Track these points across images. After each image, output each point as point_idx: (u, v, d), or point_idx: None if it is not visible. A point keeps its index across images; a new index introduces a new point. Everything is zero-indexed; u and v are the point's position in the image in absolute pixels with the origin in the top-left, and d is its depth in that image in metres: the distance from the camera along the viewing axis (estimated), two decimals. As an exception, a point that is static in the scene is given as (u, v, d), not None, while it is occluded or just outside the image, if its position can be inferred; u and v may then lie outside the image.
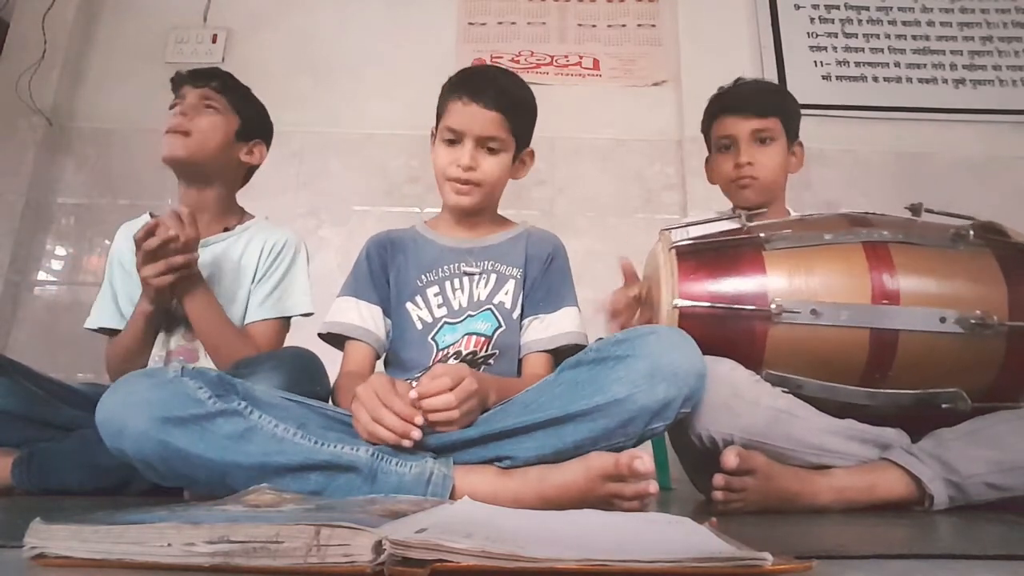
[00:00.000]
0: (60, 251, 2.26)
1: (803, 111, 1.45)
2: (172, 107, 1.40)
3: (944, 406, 1.01)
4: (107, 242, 1.46)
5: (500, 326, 1.18)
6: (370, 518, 0.55)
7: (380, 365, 1.25)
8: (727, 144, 1.39)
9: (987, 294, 1.01)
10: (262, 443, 0.84)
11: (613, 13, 2.50)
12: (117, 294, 1.39)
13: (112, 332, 1.37)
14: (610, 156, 2.32)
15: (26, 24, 2.34)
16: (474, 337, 1.17)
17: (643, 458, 0.83)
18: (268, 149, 1.51)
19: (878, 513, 0.96)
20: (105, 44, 2.44)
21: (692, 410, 0.93)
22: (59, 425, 1.18)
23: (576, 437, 0.88)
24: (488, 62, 2.35)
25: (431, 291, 1.21)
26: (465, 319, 1.18)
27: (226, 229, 1.43)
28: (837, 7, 2.45)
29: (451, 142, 1.19)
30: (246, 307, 1.38)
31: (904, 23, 2.43)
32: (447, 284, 1.21)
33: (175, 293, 1.27)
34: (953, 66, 2.37)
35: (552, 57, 2.44)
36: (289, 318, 1.41)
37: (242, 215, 1.48)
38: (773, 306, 1.00)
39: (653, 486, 0.84)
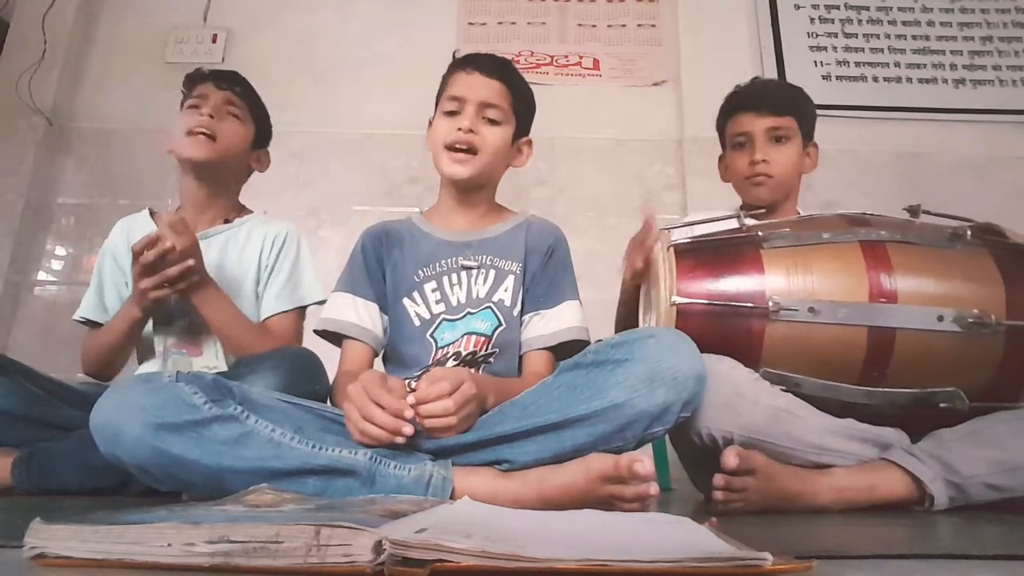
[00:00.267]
0: (60, 251, 2.26)
1: (803, 111, 1.45)
2: (190, 105, 1.39)
3: (942, 405, 1.01)
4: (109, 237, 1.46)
5: (500, 324, 1.17)
6: (370, 518, 0.55)
7: (379, 362, 1.25)
8: (742, 141, 1.39)
9: (985, 294, 1.01)
10: (258, 448, 0.84)
11: (613, 13, 2.50)
12: (104, 286, 1.39)
13: (94, 324, 1.37)
14: (610, 156, 2.32)
15: (26, 24, 2.34)
16: (474, 337, 1.16)
17: (643, 461, 0.83)
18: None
19: (878, 513, 0.96)
20: (105, 44, 2.44)
21: (692, 413, 0.93)
22: (59, 425, 1.18)
23: (575, 441, 0.88)
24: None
25: (428, 286, 1.20)
26: (465, 316, 1.17)
27: (226, 221, 1.43)
28: (837, 7, 2.44)
29: (451, 113, 1.20)
30: (254, 299, 1.38)
31: (904, 23, 2.43)
32: (445, 279, 1.20)
33: (185, 300, 1.26)
34: (953, 66, 2.37)
35: (552, 57, 2.44)
36: (305, 308, 1.41)
37: (241, 208, 1.49)
38: (771, 304, 1.00)
39: (654, 488, 0.83)
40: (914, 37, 2.42)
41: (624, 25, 2.48)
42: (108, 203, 2.26)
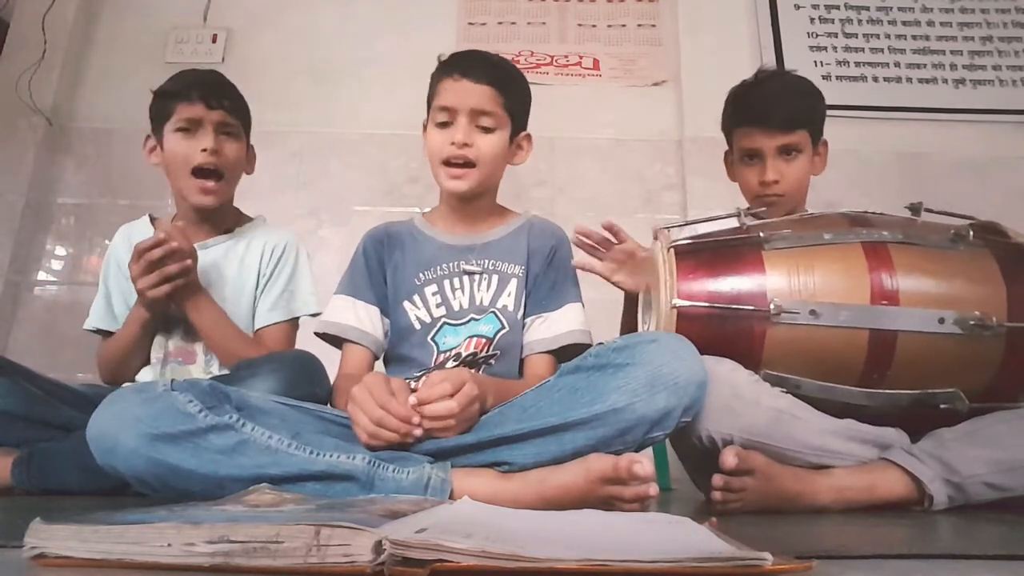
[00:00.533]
0: (60, 251, 2.26)
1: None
2: (180, 128, 1.32)
3: (942, 406, 1.01)
4: (107, 242, 1.46)
5: (503, 328, 1.17)
6: (370, 518, 0.55)
7: (379, 364, 1.25)
8: (751, 156, 1.36)
9: (986, 295, 1.01)
10: (255, 456, 0.84)
11: (613, 13, 2.50)
12: (111, 295, 1.39)
13: (105, 334, 1.37)
14: (610, 156, 2.32)
15: (26, 24, 2.33)
16: (475, 339, 1.16)
17: (642, 462, 0.83)
18: None
19: (878, 513, 0.96)
20: (105, 44, 2.44)
21: (693, 418, 0.93)
22: (59, 425, 1.18)
23: (575, 444, 0.88)
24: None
25: (429, 290, 1.19)
26: (468, 322, 1.17)
27: (226, 231, 1.42)
28: (837, 7, 2.44)
29: (444, 124, 1.17)
30: (253, 308, 1.38)
31: (904, 23, 2.43)
32: (446, 283, 1.19)
33: (177, 304, 1.26)
34: (953, 66, 2.37)
35: (552, 57, 2.44)
36: (298, 319, 1.41)
37: (239, 216, 1.48)
38: (772, 306, 0.99)
39: (653, 488, 0.83)
40: (914, 37, 2.41)
41: (624, 25, 2.48)
42: (108, 203, 2.26)
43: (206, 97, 1.32)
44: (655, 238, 1.12)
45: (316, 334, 1.21)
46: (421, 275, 1.20)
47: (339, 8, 2.46)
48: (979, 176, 2.25)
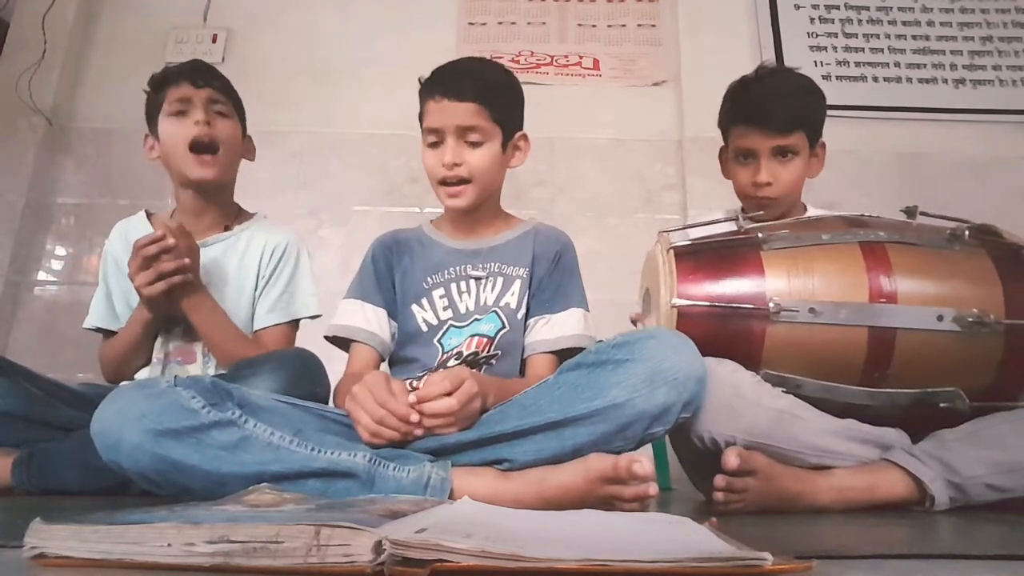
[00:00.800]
0: (60, 251, 2.26)
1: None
2: (174, 112, 1.33)
3: (943, 405, 1.01)
4: (107, 241, 1.45)
5: (504, 327, 1.17)
6: (370, 518, 0.55)
7: (384, 367, 1.25)
8: (745, 155, 1.33)
9: (983, 293, 1.01)
10: (257, 452, 0.84)
11: (613, 13, 2.50)
12: (112, 293, 1.39)
13: (107, 332, 1.37)
14: (610, 156, 2.32)
15: (26, 24, 2.33)
16: (476, 338, 1.16)
17: (642, 462, 0.83)
18: None
19: (878, 513, 0.97)
20: (105, 44, 2.44)
21: (692, 414, 0.93)
22: (58, 426, 1.18)
23: (575, 441, 0.88)
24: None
25: (436, 293, 1.20)
26: (472, 322, 1.18)
27: (226, 228, 1.42)
28: (837, 7, 2.45)
29: (434, 144, 1.18)
30: (252, 308, 1.38)
31: (904, 23, 2.43)
32: (453, 287, 1.20)
33: (175, 302, 1.26)
34: (953, 66, 2.37)
35: (552, 57, 2.44)
36: (298, 321, 1.41)
37: (239, 212, 1.48)
38: (771, 305, 1.00)
39: (653, 488, 0.84)
40: (914, 37, 2.41)
41: (624, 25, 2.48)
42: (108, 203, 2.26)
43: (192, 77, 1.34)
44: (657, 242, 1.13)
45: (326, 338, 1.22)
46: (429, 279, 1.22)
47: (339, 8, 2.46)
48: (979, 176, 2.25)
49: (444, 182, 1.17)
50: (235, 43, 2.43)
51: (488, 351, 1.16)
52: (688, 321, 1.01)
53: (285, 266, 1.41)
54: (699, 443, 0.98)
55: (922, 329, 0.99)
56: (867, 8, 2.44)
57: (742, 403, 0.97)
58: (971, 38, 2.41)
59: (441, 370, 1.08)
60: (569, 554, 0.47)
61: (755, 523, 0.84)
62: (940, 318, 0.98)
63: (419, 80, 1.22)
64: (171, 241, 1.20)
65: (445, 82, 1.16)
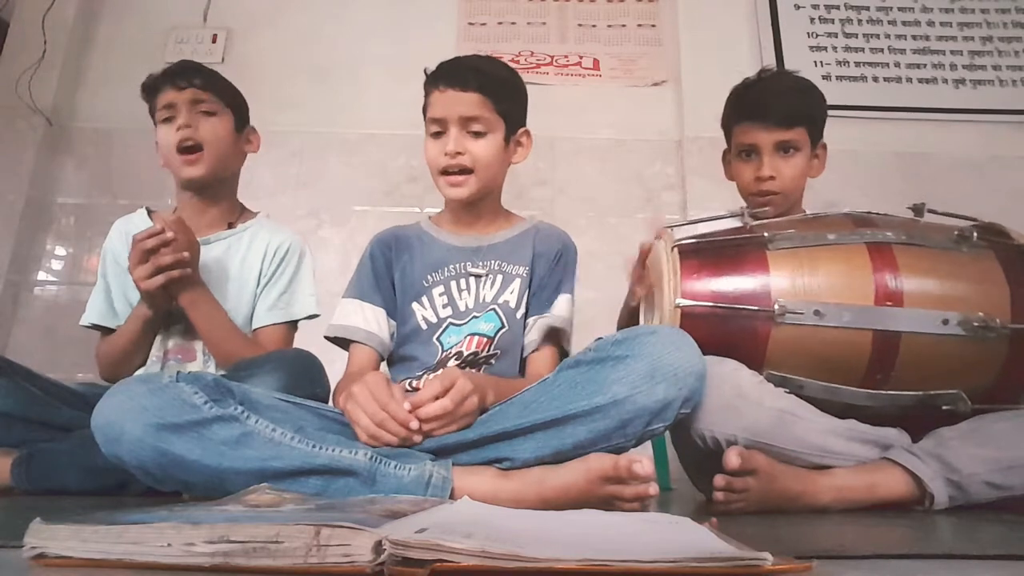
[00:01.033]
0: (60, 251, 2.26)
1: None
2: (163, 119, 1.36)
3: (944, 408, 1.01)
4: (106, 239, 1.45)
5: (503, 326, 1.17)
6: (370, 518, 0.55)
7: (383, 365, 1.25)
8: (748, 151, 1.34)
9: (990, 296, 1.01)
10: (259, 448, 0.84)
11: (613, 13, 2.50)
12: (111, 290, 1.38)
13: (104, 330, 1.36)
14: (610, 156, 2.32)
15: (26, 24, 2.33)
16: (476, 337, 1.16)
17: (642, 461, 0.83)
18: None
19: (878, 513, 0.96)
20: (105, 44, 2.44)
21: (692, 411, 0.93)
22: (58, 426, 1.18)
23: (576, 438, 0.88)
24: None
25: (436, 291, 1.20)
26: (471, 320, 1.18)
27: (229, 225, 1.42)
28: (837, 7, 2.44)
29: (437, 134, 1.18)
30: (252, 308, 1.38)
31: (904, 23, 2.43)
32: (452, 284, 1.20)
33: (174, 297, 1.26)
34: (953, 66, 2.37)
35: (552, 57, 2.44)
36: (297, 321, 1.41)
37: (243, 211, 1.48)
38: (776, 306, 0.99)
39: (653, 488, 0.84)
40: (914, 37, 2.41)
41: (624, 25, 2.48)
42: (108, 203, 2.26)
43: (174, 80, 1.36)
44: (657, 237, 1.12)
45: (326, 338, 1.22)
46: (429, 277, 1.21)
47: (339, 8, 2.46)
48: (979, 176, 2.25)
49: (445, 171, 1.17)
50: (235, 43, 2.43)
51: (488, 351, 1.16)
52: (691, 321, 1.01)
53: (287, 266, 1.41)
54: (700, 442, 0.98)
55: (927, 333, 0.99)
56: (867, 8, 2.44)
57: (744, 402, 0.97)
58: (971, 38, 2.41)
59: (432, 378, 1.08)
60: (569, 554, 0.47)
61: (755, 523, 0.84)
62: (945, 322, 0.98)
63: (424, 72, 1.22)
64: (169, 235, 1.20)
65: (450, 73, 1.17)
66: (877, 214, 1.11)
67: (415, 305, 1.20)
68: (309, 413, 0.97)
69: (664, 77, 2.40)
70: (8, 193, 2.20)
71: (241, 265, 1.39)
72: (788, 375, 1.02)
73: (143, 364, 1.33)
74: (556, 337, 1.19)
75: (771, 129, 1.31)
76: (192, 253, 1.25)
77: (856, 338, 1.00)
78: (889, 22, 2.43)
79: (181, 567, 0.49)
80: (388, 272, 1.24)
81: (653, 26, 2.48)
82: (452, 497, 0.84)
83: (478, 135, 1.17)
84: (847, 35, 2.41)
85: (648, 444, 1.12)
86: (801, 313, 0.99)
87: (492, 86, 1.17)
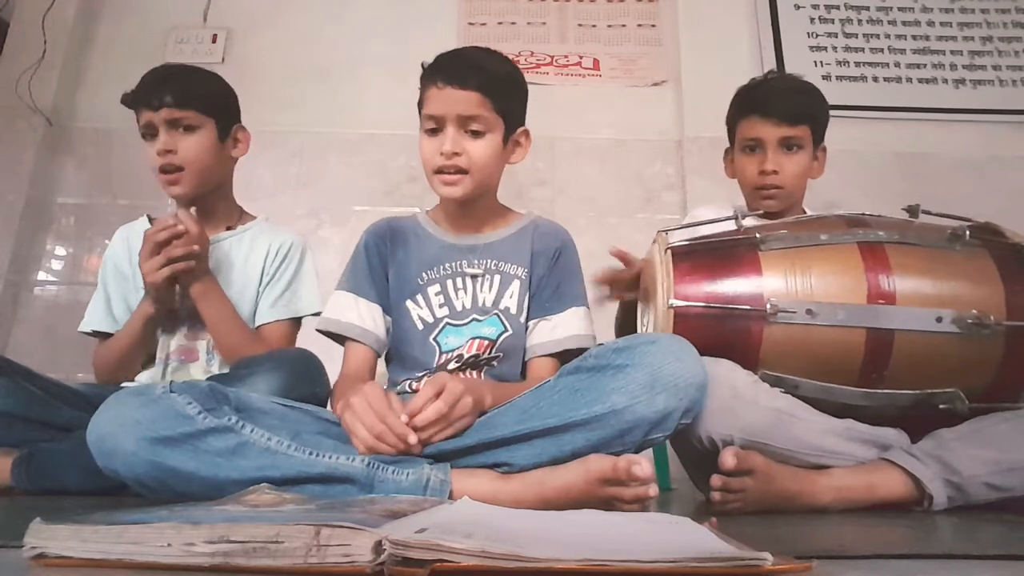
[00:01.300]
0: (60, 251, 2.26)
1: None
2: (144, 135, 1.35)
3: (942, 406, 1.01)
4: (107, 242, 1.45)
5: (506, 330, 1.16)
6: (370, 518, 0.55)
7: (381, 363, 1.25)
8: (752, 146, 1.37)
9: (984, 294, 1.01)
10: (255, 458, 0.84)
11: (613, 13, 2.50)
12: (111, 297, 1.38)
13: (103, 336, 1.37)
14: (610, 156, 2.32)
15: (26, 24, 2.33)
16: (477, 340, 1.15)
17: (642, 463, 0.83)
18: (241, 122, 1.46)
19: (878, 513, 0.96)
20: (105, 44, 2.44)
21: (692, 420, 0.93)
22: (58, 426, 1.18)
23: (574, 446, 0.88)
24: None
25: (432, 289, 1.18)
26: (470, 322, 1.16)
27: (228, 228, 1.42)
28: (837, 7, 2.44)
29: (433, 131, 1.14)
30: (254, 308, 1.38)
31: (904, 23, 2.43)
32: (448, 283, 1.18)
33: (184, 290, 1.26)
34: (953, 66, 2.37)
35: (552, 57, 2.44)
36: (300, 318, 1.41)
37: (242, 214, 1.48)
38: (769, 306, 0.99)
39: (652, 489, 0.83)
40: (914, 37, 2.41)
41: (624, 25, 2.48)
42: (108, 203, 2.26)
43: (147, 99, 1.33)
44: (654, 241, 1.13)
45: (318, 330, 1.21)
46: (424, 274, 1.19)
47: (339, 8, 2.46)
48: (979, 176, 2.25)
49: (440, 171, 1.13)
50: (235, 43, 2.43)
51: (489, 353, 1.15)
52: (685, 321, 1.01)
53: (289, 264, 1.42)
54: (698, 443, 0.98)
55: (921, 331, 0.99)
56: (867, 8, 2.44)
57: (740, 403, 0.97)
58: (971, 38, 2.41)
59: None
60: (569, 554, 0.47)
61: (755, 523, 0.84)
62: (939, 319, 0.98)
63: (422, 65, 1.18)
64: (181, 227, 1.21)
65: (449, 69, 1.13)
66: (870, 215, 1.11)
67: (410, 303, 1.18)
68: (307, 416, 0.96)
69: (664, 77, 2.40)
70: (8, 193, 2.20)
71: (244, 265, 1.39)
72: (783, 375, 1.02)
73: (142, 367, 1.33)
74: (570, 355, 1.14)
75: (777, 124, 1.33)
76: (203, 246, 1.26)
77: (849, 337, 1.00)
78: (889, 22, 2.43)
79: (181, 567, 0.49)
80: (383, 266, 1.21)
81: (653, 26, 2.48)
82: (451, 499, 0.84)
83: (476, 135, 1.13)
84: (847, 35, 2.41)
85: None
86: (793, 312, 0.99)
87: (492, 84, 1.13)
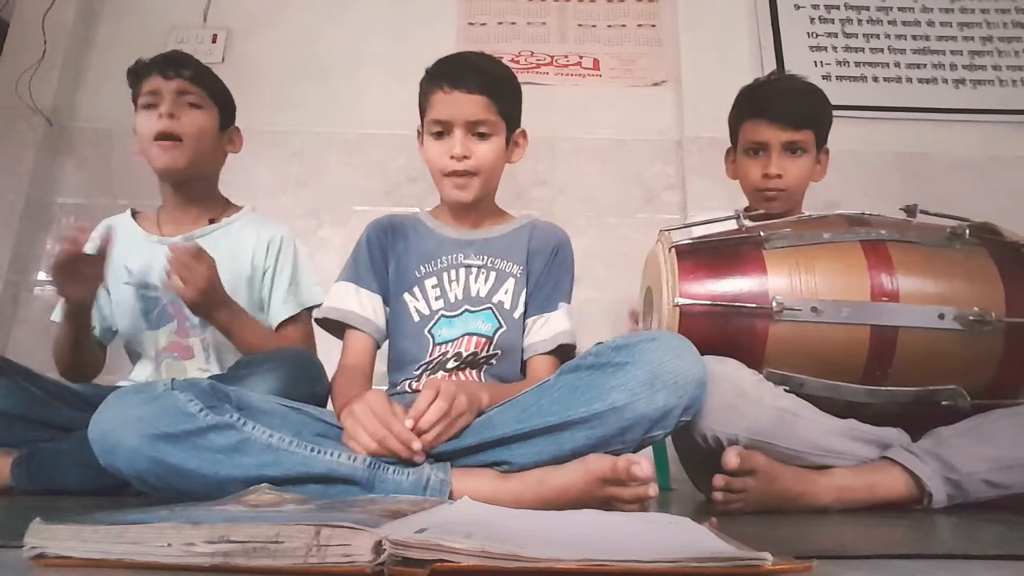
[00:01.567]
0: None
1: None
2: (145, 104, 1.33)
3: (944, 403, 1.01)
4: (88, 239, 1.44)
5: (501, 326, 1.17)
6: (370, 518, 0.55)
7: (380, 365, 1.25)
8: (756, 149, 1.37)
9: (985, 292, 1.01)
10: (256, 455, 0.84)
11: (613, 13, 2.50)
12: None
13: None
14: (610, 156, 2.32)
15: (26, 24, 2.33)
16: (474, 338, 1.16)
17: (641, 463, 0.83)
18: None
19: (878, 513, 0.96)
20: (105, 44, 2.44)
21: (693, 417, 0.93)
22: (58, 426, 1.18)
23: (574, 444, 0.88)
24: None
25: (429, 282, 1.20)
26: (463, 313, 1.17)
27: (211, 221, 1.40)
28: (837, 7, 2.44)
29: (440, 135, 1.17)
30: (248, 301, 1.36)
31: (904, 23, 2.43)
32: (445, 276, 1.20)
33: (208, 320, 1.25)
34: (953, 66, 2.37)
35: (552, 57, 2.44)
36: (311, 309, 1.40)
37: (227, 206, 1.46)
38: (774, 304, 1.00)
39: (652, 489, 0.84)
40: (914, 37, 2.41)
41: (624, 25, 2.48)
42: (108, 203, 2.25)
43: (162, 68, 1.33)
44: (657, 240, 1.13)
45: (316, 320, 1.21)
46: (422, 267, 1.21)
47: (339, 8, 2.46)
48: (979, 176, 2.25)
49: (451, 174, 1.17)
50: (235, 43, 2.43)
51: (487, 351, 1.16)
52: (690, 320, 1.01)
53: (285, 259, 1.41)
54: (702, 442, 0.98)
55: (924, 327, 0.99)
56: (867, 8, 2.44)
57: (744, 402, 0.97)
58: (971, 38, 2.40)
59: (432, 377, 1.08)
60: (569, 554, 0.47)
61: (755, 523, 0.84)
62: (942, 316, 0.99)
63: (425, 70, 1.21)
64: (78, 249, 1.18)
65: (454, 74, 1.16)
66: (871, 215, 1.11)
67: (407, 296, 1.20)
68: (307, 417, 0.96)
69: (664, 77, 2.40)
70: (8, 193, 2.20)
71: (230, 259, 1.35)
72: (788, 373, 1.02)
73: (93, 362, 1.33)
74: (562, 351, 1.18)
75: (782, 128, 1.34)
76: (211, 276, 1.21)
77: (854, 334, 1.00)
78: (889, 22, 2.43)
79: (181, 567, 0.49)
80: (384, 258, 1.23)
81: (653, 26, 2.47)
82: (451, 499, 0.84)
83: (483, 137, 1.17)
84: (847, 35, 2.41)
85: (648, 444, 1.12)
86: (799, 310, 1.00)
87: (496, 88, 1.17)
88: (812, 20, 2.42)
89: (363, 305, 1.19)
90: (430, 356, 1.16)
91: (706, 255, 1.09)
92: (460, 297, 1.18)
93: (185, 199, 1.38)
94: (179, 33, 2.42)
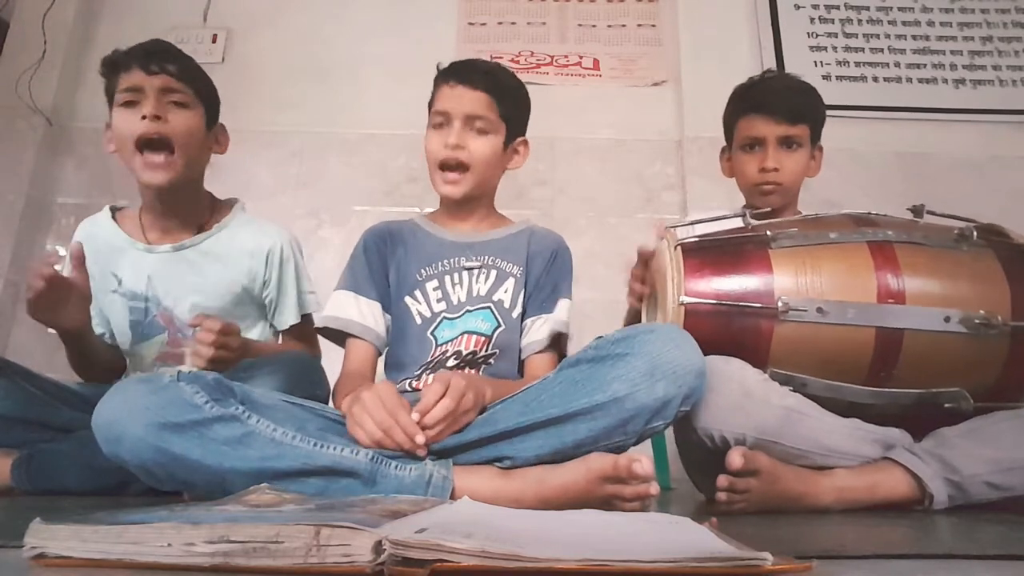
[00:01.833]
0: (60, 251, 2.26)
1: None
2: (125, 101, 1.21)
3: (947, 405, 1.01)
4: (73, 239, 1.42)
5: (499, 325, 1.17)
6: (370, 518, 0.55)
7: (380, 365, 1.25)
8: (752, 144, 1.38)
9: (991, 294, 1.01)
10: (260, 448, 0.84)
11: (613, 13, 2.50)
12: None
13: None
14: (610, 156, 2.32)
15: (26, 24, 2.33)
16: (473, 336, 1.16)
17: (642, 461, 0.83)
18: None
19: (878, 513, 0.96)
20: (105, 44, 2.41)
21: (699, 409, 0.93)
22: (58, 426, 1.18)
23: (576, 436, 0.88)
24: (488, 62, 2.36)
25: (430, 285, 1.20)
26: (463, 314, 1.18)
27: (200, 227, 1.34)
28: (837, 7, 2.44)
29: (439, 126, 1.20)
30: (240, 304, 1.35)
31: (904, 23, 2.43)
32: (446, 278, 1.21)
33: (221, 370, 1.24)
34: (953, 66, 2.37)
35: (552, 57, 2.44)
36: (310, 315, 1.40)
37: (214, 205, 1.38)
38: (780, 304, 0.99)
39: (654, 487, 0.84)
40: (914, 37, 2.41)
41: (624, 25, 2.48)
42: (108, 203, 2.25)
43: (145, 62, 1.20)
44: (660, 237, 1.12)
45: (317, 329, 1.22)
46: (423, 271, 1.22)
47: (339, 8, 2.46)
48: (979, 176, 2.25)
49: (444, 165, 1.19)
50: (235, 43, 2.43)
51: (486, 350, 1.16)
52: (695, 319, 1.01)
53: (288, 268, 1.38)
54: (708, 441, 0.98)
55: (929, 330, 0.99)
56: (867, 8, 2.44)
57: (751, 401, 0.97)
58: (971, 38, 2.40)
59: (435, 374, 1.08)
60: (569, 554, 0.47)
61: (755, 523, 0.84)
62: (947, 319, 0.98)
63: (437, 67, 1.25)
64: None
65: (462, 71, 1.21)
66: (877, 214, 1.11)
67: (408, 300, 1.20)
68: (309, 413, 0.97)
69: (664, 77, 2.40)
70: (8, 193, 2.20)
71: (223, 268, 1.31)
72: (792, 373, 1.02)
73: (109, 360, 1.32)
74: (557, 343, 1.19)
75: (777, 122, 1.34)
76: (237, 344, 1.18)
77: (859, 335, 1.00)
78: (889, 22, 2.43)
79: (181, 567, 0.49)
80: (383, 265, 1.24)
81: (653, 26, 2.47)
82: (453, 497, 0.84)
83: (480, 132, 1.19)
84: (847, 35, 2.41)
85: (647, 443, 1.12)
86: (804, 310, 0.99)
87: (500, 89, 1.21)
88: (812, 20, 2.42)
89: (363, 313, 1.19)
90: (431, 357, 1.16)
91: (712, 253, 1.08)
92: (463, 299, 1.19)
93: (171, 206, 1.31)
94: (179, 33, 2.42)
